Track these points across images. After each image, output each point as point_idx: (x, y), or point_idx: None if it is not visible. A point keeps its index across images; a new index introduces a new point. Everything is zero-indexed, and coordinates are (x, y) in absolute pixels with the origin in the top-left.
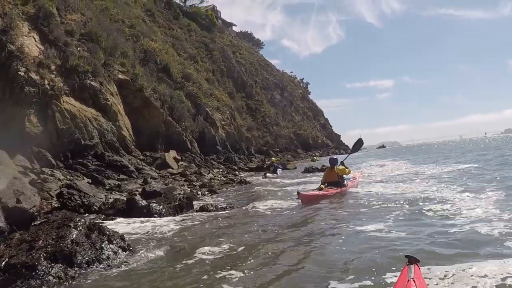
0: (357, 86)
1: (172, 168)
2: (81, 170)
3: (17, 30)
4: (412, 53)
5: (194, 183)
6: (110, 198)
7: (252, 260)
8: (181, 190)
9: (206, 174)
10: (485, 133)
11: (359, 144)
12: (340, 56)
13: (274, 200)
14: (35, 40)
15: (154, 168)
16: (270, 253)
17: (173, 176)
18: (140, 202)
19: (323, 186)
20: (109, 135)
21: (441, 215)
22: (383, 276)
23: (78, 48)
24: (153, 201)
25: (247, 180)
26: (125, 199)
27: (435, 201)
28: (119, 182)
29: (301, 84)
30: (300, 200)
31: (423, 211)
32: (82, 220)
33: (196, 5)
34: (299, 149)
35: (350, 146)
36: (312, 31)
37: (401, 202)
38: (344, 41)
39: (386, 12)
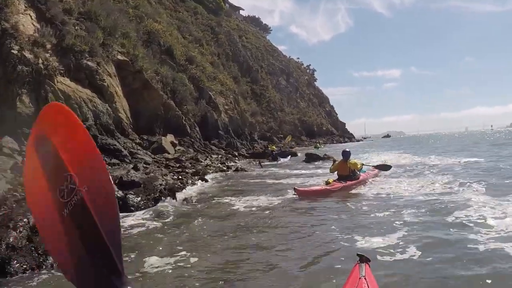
0: (364, 75)
1: (168, 153)
2: None
3: (12, 7)
4: (420, 44)
5: (187, 170)
6: None
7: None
8: (163, 181)
9: (202, 160)
10: (491, 126)
11: (385, 167)
12: (349, 44)
13: (259, 196)
14: (31, 18)
15: (149, 153)
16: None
17: (167, 162)
18: (116, 193)
19: (330, 180)
20: (105, 117)
21: (462, 226)
22: None
23: (76, 27)
24: (130, 192)
25: (244, 168)
26: None
27: (455, 206)
28: (108, 167)
29: (308, 71)
30: (296, 196)
31: (440, 219)
32: (25, 219)
33: None
34: (303, 135)
35: (355, 135)
36: (321, 18)
37: (415, 205)
38: (352, 29)
39: (396, 2)
